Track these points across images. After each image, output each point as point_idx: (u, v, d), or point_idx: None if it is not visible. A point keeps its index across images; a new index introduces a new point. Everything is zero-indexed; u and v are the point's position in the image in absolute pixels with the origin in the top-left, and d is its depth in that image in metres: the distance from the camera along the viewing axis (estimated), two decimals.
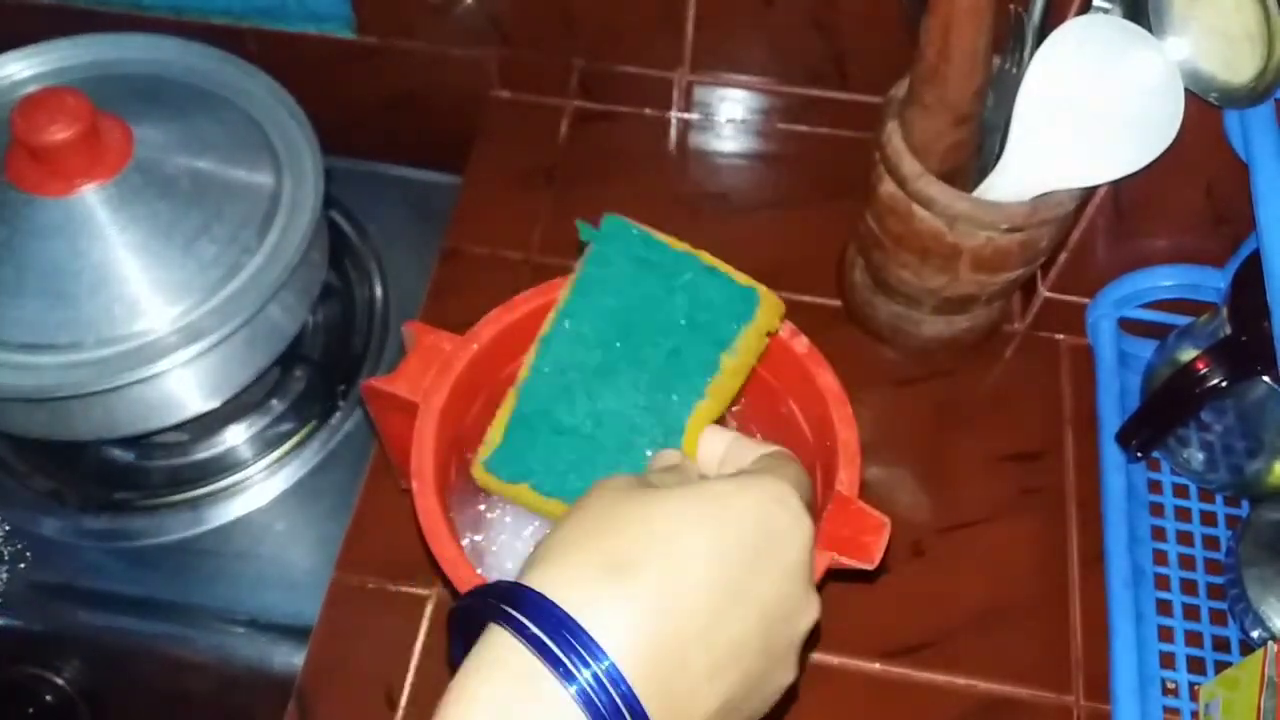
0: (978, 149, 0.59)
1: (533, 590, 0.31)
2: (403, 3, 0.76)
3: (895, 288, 0.65)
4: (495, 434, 0.49)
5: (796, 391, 0.52)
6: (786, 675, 0.36)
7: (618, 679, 0.30)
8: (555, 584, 0.32)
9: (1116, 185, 0.58)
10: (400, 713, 0.57)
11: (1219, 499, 0.65)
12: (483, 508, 0.55)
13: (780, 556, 0.35)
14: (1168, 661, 0.59)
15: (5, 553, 0.64)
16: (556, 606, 0.31)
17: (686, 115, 0.80)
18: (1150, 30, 0.53)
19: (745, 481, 0.37)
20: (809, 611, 0.37)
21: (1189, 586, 0.62)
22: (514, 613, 0.31)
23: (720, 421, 0.49)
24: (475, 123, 0.80)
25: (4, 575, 0.64)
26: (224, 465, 0.69)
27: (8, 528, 0.65)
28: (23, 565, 0.64)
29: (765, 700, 0.36)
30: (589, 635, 0.30)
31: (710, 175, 0.78)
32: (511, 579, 0.33)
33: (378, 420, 0.56)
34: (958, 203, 0.57)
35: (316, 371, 0.72)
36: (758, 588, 0.34)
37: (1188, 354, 0.60)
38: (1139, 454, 0.61)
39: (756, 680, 0.34)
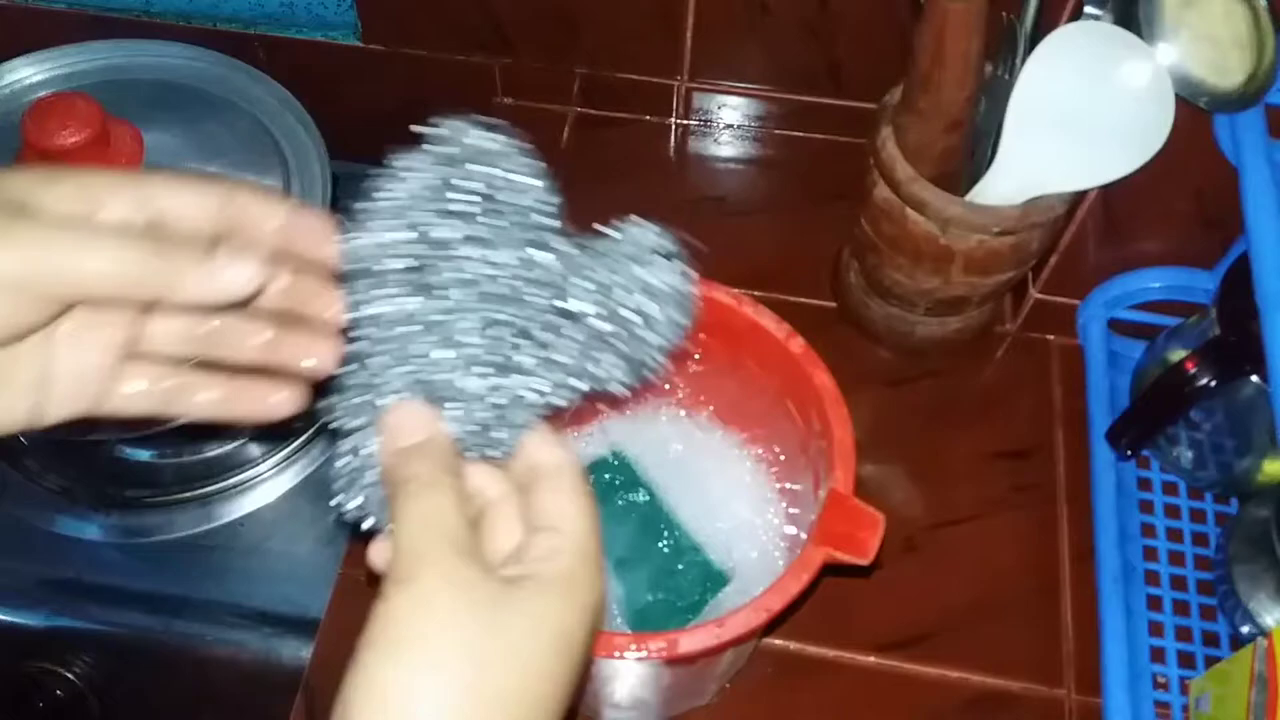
0: (970, 154, 0.60)
1: None
2: (408, 11, 0.77)
3: (889, 289, 0.66)
4: None
5: (793, 390, 0.53)
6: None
7: None
8: None
9: (1107, 189, 0.58)
10: None
11: (1208, 496, 0.65)
12: None
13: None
14: (1158, 656, 0.60)
15: None
16: None
17: (685, 121, 0.81)
18: (1141, 36, 0.53)
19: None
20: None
21: (1179, 582, 0.62)
22: None
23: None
24: None
25: None
26: (234, 463, 0.69)
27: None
28: None
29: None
30: None
31: (709, 180, 0.79)
32: None
33: None
34: (950, 206, 0.58)
35: None
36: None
37: (1177, 354, 0.61)
38: (1128, 452, 0.61)
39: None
